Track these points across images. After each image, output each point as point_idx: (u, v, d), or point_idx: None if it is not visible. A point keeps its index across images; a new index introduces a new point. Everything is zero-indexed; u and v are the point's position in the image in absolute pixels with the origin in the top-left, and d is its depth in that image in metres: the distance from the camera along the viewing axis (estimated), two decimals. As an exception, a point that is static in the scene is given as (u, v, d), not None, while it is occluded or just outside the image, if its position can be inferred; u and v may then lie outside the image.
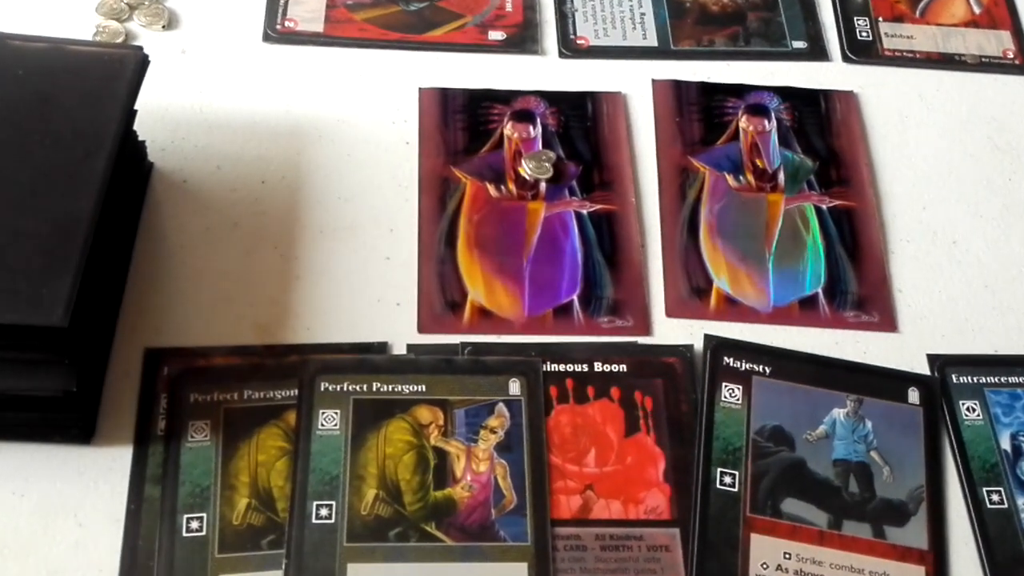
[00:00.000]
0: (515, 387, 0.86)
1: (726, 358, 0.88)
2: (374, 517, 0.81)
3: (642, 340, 0.91)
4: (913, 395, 0.88)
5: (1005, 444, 0.86)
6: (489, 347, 0.89)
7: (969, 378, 0.89)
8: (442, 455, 0.84)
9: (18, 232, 0.76)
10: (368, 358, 0.87)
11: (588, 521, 0.82)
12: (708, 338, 0.89)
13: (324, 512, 0.80)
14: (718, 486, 0.83)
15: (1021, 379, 0.89)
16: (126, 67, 0.86)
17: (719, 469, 0.84)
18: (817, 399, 0.87)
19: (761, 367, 0.88)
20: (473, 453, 0.84)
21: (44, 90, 0.83)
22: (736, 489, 0.83)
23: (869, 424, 0.87)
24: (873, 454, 0.86)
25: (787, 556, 0.81)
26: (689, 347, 0.89)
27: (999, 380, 0.89)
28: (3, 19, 1.01)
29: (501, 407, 0.85)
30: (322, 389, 0.85)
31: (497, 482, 0.83)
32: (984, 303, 0.94)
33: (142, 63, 0.86)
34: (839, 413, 0.87)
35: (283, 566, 0.78)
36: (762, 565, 0.80)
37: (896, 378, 0.89)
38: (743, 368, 0.88)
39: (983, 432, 0.87)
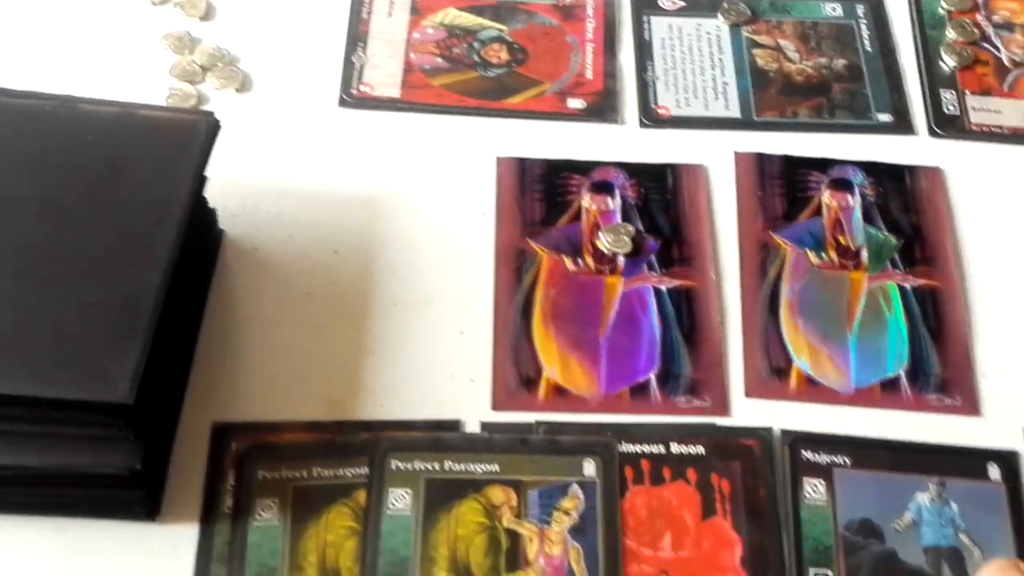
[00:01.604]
0: (590, 468, 0.84)
1: (804, 452, 0.86)
2: None
3: (720, 421, 0.89)
4: (993, 471, 0.86)
5: None
6: (563, 426, 0.87)
7: None
8: (515, 537, 0.82)
9: (85, 304, 0.75)
10: (441, 436, 0.86)
11: (665, 607, 0.79)
12: (786, 434, 0.87)
13: None
14: None
15: None
16: (197, 133, 0.85)
17: (812, 570, 0.82)
18: (900, 486, 0.86)
19: (841, 458, 0.86)
20: (546, 535, 0.82)
21: (113, 156, 0.83)
22: None
23: (955, 506, 0.85)
24: (963, 537, 0.84)
25: None
26: (768, 429, 0.87)
27: None
28: (76, 81, 1.01)
29: (575, 488, 0.84)
30: (393, 468, 0.84)
31: (571, 566, 0.81)
32: (1073, 392, 0.91)
33: (213, 129, 0.85)
34: (923, 498, 0.85)
35: None
36: None
37: (975, 456, 0.87)
38: (824, 462, 0.86)
39: None
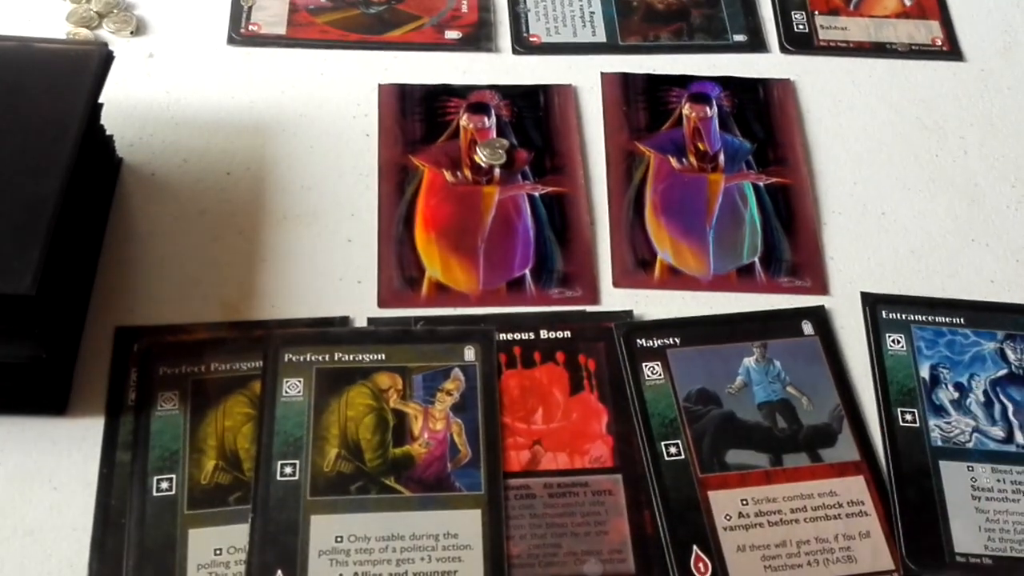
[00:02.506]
0: (470, 354, 0.91)
1: (638, 340, 0.93)
2: (336, 473, 0.85)
3: (590, 309, 0.95)
4: (807, 327, 0.95)
5: (924, 373, 0.93)
6: (442, 320, 0.94)
7: (898, 315, 0.96)
8: (401, 416, 0.88)
9: (-12, 213, 0.81)
10: (329, 331, 0.92)
11: (537, 472, 0.87)
12: (618, 326, 0.94)
13: (288, 470, 0.85)
14: (666, 458, 0.88)
15: (946, 319, 0.96)
16: (90, 61, 0.90)
17: (663, 443, 0.89)
18: (727, 354, 0.93)
19: (672, 339, 0.93)
20: (430, 413, 0.88)
21: (12, 84, 0.88)
22: (683, 456, 0.88)
23: (778, 363, 0.93)
24: (790, 389, 0.92)
25: (744, 502, 0.86)
26: (629, 312, 0.95)
27: (925, 318, 0.96)
28: (-25, 28, 1.06)
29: (456, 371, 0.90)
30: (286, 360, 0.89)
31: (453, 439, 0.87)
32: (910, 268, 1.00)
33: (106, 57, 0.91)
34: (750, 361, 0.93)
35: (249, 520, 0.83)
36: (726, 517, 0.86)
37: (788, 316, 0.96)
38: (657, 345, 0.93)
39: (904, 361, 0.93)
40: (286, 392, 0.88)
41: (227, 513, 0.84)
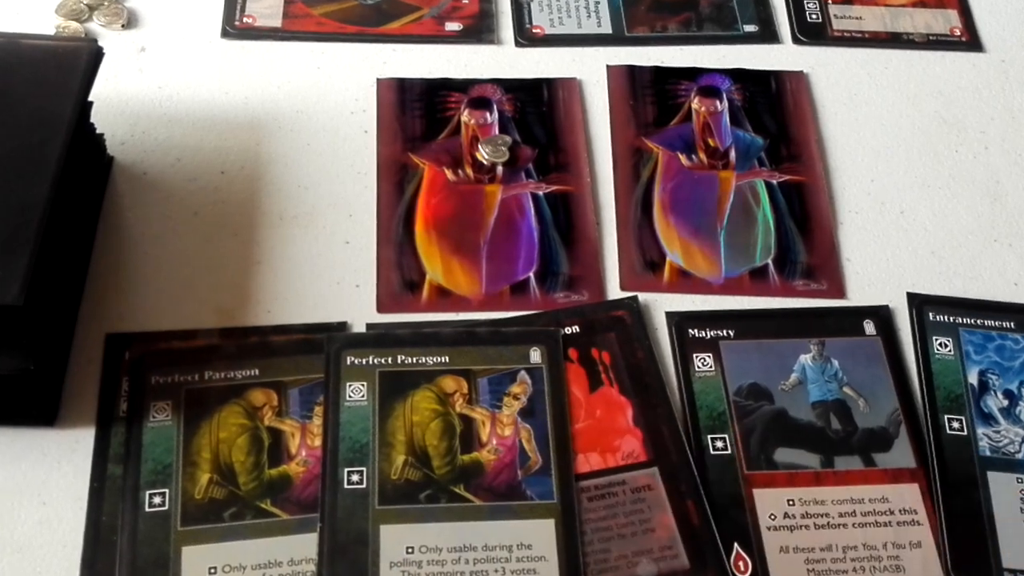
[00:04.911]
0: (536, 356, 0.89)
1: (691, 330, 0.91)
2: (404, 481, 0.83)
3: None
4: (869, 327, 0.92)
5: (972, 379, 0.90)
6: (455, 324, 0.90)
7: (945, 317, 0.93)
8: (468, 421, 0.86)
9: (-27, 217, 0.78)
10: (390, 332, 0.90)
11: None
12: (670, 315, 0.92)
13: (355, 478, 0.83)
14: (712, 452, 0.86)
15: (995, 322, 0.93)
16: (80, 59, 0.87)
17: (709, 436, 0.86)
18: (783, 349, 0.91)
19: (725, 331, 0.91)
20: (498, 419, 0.86)
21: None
22: (729, 451, 0.86)
23: (836, 362, 0.90)
24: (846, 389, 0.89)
25: (791, 503, 0.84)
26: (634, 298, 0.92)
27: (974, 321, 0.93)
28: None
29: (523, 374, 0.88)
30: (348, 363, 0.87)
31: (522, 445, 0.85)
32: (930, 269, 0.96)
33: (96, 55, 0.88)
34: (806, 358, 0.90)
35: (318, 530, 0.81)
36: (770, 516, 0.84)
37: (851, 314, 0.93)
38: (709, 336, 0.90)
39: (952, 366, 0.90)
40: (350, 396, 0.86)
41: (222, 529, 0.81)
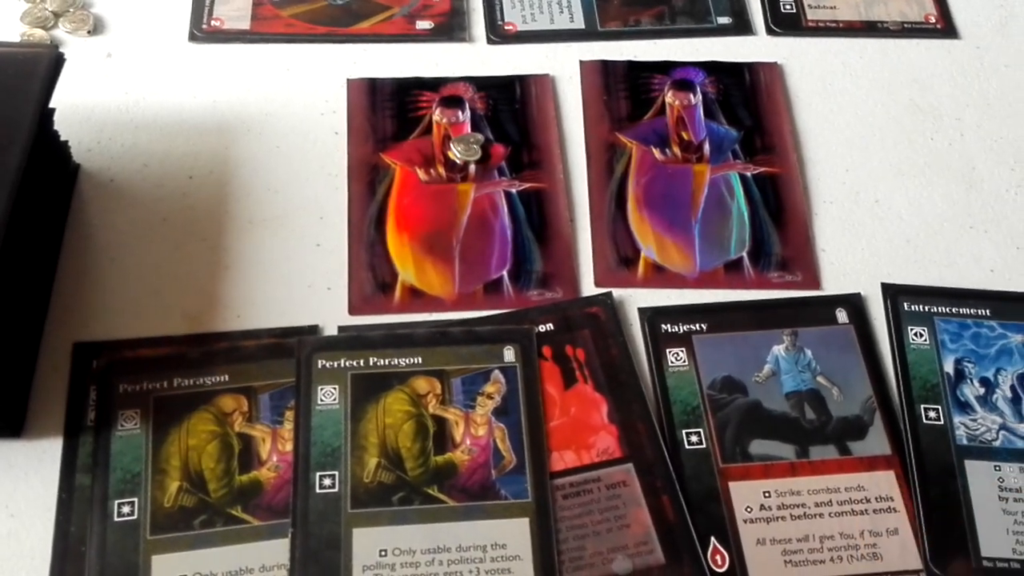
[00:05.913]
0: (510, 354, 0.88)
1: (663, 325, 0.90)
2: (377, 484, 0.82)
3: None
4: (841, 315, 0.91)
5: (948, 368, 0.89)
6: (429, 324, 0.89)
7: (920, 307, 0.92)
8: (441, 422, 0.85)
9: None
10: (361, 335, 0.89)
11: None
12: (643, 311, 0.90)
13: (327, 482, 0.82)
14: (687, 446, 0.85)
15: (970, 310, 0.92)
16: (40, 65, 0.86)
17: (684, 431, 0.86)
18: (755, 341, 0.90)
19: (698, 325, 0.90)
20: (471, 419, 0.85)
21: (-42, 90, 0.84)
22: (704, 445, 0.85)
23: (809, 352, 0.89)
24: (820, 379, 0.89)
25: (767, 495, 0.84)
26: (608, 294, 0.91)
27: (949, 310, 0.92)
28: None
29: (497, 374, 0.87)
30: (319, 366, 0.86)
31: (496, 444, 0.84)
32: (906, 257, 0.96)
33: (56, 60, 0.86)
34: (779, 349, 0.89)
35: (289, 535, 0.80)
36: (746, 509, 0.83)
37: (823, 304, 0.92)
38: (681, 330, 0.90)
39: (928, 356, 0.90)
40: (321, 400, 0.85)
41: (192, 538, 0.80)
